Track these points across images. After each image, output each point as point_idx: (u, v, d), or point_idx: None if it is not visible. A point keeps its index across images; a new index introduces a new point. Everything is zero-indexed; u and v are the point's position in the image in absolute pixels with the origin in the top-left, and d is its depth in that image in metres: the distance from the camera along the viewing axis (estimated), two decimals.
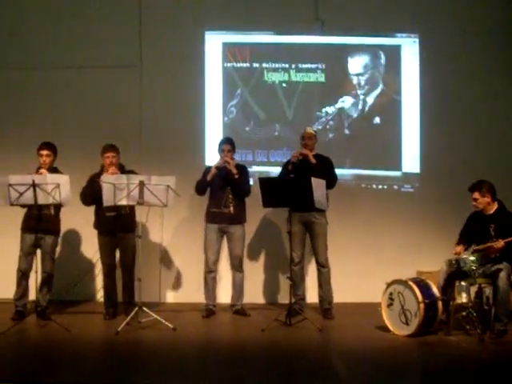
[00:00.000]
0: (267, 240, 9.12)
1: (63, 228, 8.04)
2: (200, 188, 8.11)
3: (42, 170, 7.53)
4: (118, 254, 8.01)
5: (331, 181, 7.83)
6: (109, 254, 7.94)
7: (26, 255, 7.63)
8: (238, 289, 8.22)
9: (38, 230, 7.48)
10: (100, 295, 8.49)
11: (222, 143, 8.19)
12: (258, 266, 9.11)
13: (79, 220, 8.47)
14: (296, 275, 7.93)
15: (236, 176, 7.95)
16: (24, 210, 7.70)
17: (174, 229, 9.08)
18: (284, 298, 8.54)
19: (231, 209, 8.03)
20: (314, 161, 7.88)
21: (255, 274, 8.91)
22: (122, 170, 7.83)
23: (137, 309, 7.36)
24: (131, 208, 7.76)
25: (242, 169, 8.16)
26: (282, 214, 8.16)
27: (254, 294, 8.79)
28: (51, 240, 7.70)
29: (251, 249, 9.00)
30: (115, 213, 7.73)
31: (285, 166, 8.17)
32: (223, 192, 8.04)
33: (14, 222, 7.77)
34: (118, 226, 7.81)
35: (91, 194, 7.70)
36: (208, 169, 8.14)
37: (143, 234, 7.91)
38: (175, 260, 9.12)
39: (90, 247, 8.51)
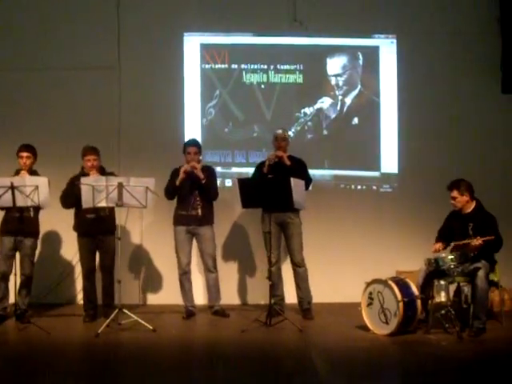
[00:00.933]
0: (240, 241, 9.10)
1: (43, 230, 8.01)
2: (169, 193, 8.07)
3: (23, 172, 7.49)
4: (97, 256, 7.99)
5: (306, 182, 7.82)
6: (88, 257, 7.91)
7: (6, 258, 7.57)
8: (213, 290, 8.19)
9: (17, 232, 7.48)
10: (80, 297, 8.44)
11: (187, 145, 8.14)
12: (233, 267, 9.08)
13: (59, 222, 8.46)
14: (274, 275, 7.86)
15: (203, 181, 7.95)
16: (2, 213, 7.65)
17: (153, 230, 9.03)
18: (260, 298, 8.59)
19: (199, 211, 8.02)
20: (288, 162, 7.88)
21: (229, 275, 8.89)
22: (103, 172, 7.81)
23: (117, 311, 7.34)
24: (111, 210, 7.75)
25: (209, 171, 8.16)
26: (254, 215, 8.19)
27: (230, 295, 8.75)
28: (30, 242, 7.64)
29: (224, 250, 9.01)
30: (95, 215, 7.71)
31: (258, 168, 8.18)
32: (191, 195, 8.02)
33: None
34: (97, 228, 7.79)
35: (71, 196, 7.66)
36: (175, 171, 8.10)
37: (122, 236, 7.87)
38: (155, 262, 9.09)
39: (70, 249, 8.50)
